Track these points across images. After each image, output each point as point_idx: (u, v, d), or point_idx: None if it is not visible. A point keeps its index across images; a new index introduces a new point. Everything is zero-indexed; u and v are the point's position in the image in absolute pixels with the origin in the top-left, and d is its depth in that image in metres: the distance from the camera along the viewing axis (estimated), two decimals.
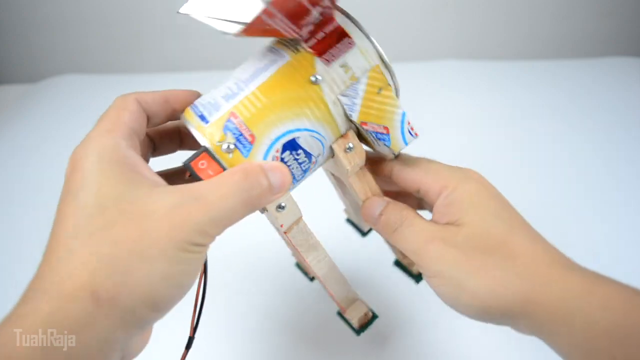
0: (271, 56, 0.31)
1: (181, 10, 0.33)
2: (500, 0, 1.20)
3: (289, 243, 0.37)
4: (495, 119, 0.83)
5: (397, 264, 0.44)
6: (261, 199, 0.26)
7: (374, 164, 0.36)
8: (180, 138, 0.34)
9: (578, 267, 0.30)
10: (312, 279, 0.47)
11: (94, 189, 0.24)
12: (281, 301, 0.47)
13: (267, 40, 0.33)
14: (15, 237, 0.61)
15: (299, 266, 0.48)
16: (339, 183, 0.42)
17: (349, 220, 0.48)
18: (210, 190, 0.25)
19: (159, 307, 0.24)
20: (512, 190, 0.67)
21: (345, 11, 0.32)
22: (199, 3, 0.33)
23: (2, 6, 1.16)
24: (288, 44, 0.31)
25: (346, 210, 0.47)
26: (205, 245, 0.25)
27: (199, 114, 0.30)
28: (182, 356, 0.30)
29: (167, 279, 0.24)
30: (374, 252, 0.48)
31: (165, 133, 0.33)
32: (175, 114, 0.31)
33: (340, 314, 0.42)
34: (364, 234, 0.47)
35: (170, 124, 0.33)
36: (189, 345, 0.31)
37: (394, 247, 0.42)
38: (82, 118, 0.88)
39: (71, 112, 0.90)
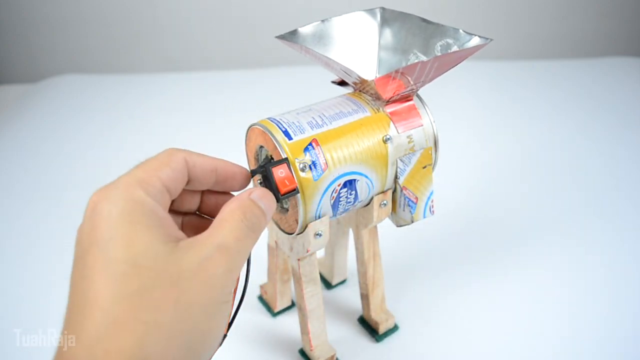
0: (354, 106, 0.37)
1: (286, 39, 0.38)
2: (500, 0, 1.20)
3: (294, 271, 0.40)
4: (495, 119, 0.83)
5: (362, 320, 0.48)
6: (261, 227, 0.28)
7: None
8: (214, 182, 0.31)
9: None
10: (275, 314, 0.49)
11: (123, 242, 0.23)
12: (241, 335, 0.47)
13: (347, 90, 0.40)
14: (15, 237, 0.61)
15: (262, 299, 0.50)
16: (337, 232, 0.47)
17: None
18: (225, 235, 0.25)
19: None
20: (511, 189, 0.67)
21: (421, 97, 0.39)
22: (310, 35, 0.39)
23: (2, 6, 1.16)
24: (370, 103, 0.37)
25: (320, 261, 0.52)
26: (233, 291, 0.25)
27: (283, 129, 0.33)
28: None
29: (208, 334, 0.24)
30: (340, 304, 0.51)
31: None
32: (217, 186, 0.30)
33: (302, 352, 0.44)
34: (330, 286, 0.52)
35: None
36: (220, 342, 0.32)
37: (364, 304, 0.47)
38: (82, 118, 0.89)
39: (71, 112, 0.90)
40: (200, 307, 0.23)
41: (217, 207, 0.31)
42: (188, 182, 0.28)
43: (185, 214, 0.31)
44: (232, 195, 0.30)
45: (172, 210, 0.30)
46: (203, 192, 0.31)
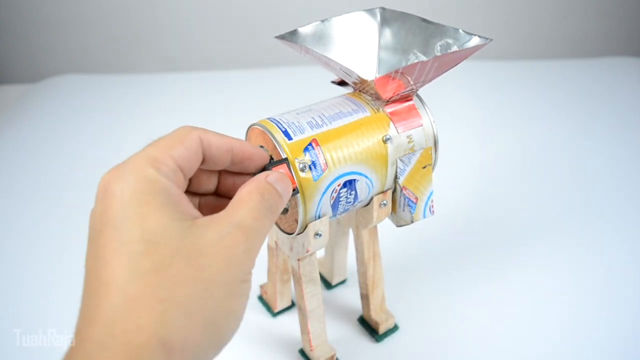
0: (353, 106, 0.37)
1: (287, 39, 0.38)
2: (500, 0, 1.20)
3: (294, 271, 0.40)
4: (495, 119, 0.83)
5: (362, 320, 0.48)
6: (278, 210, 0.27)
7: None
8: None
9: None
10: (275, 314, 0.49)
11: (137, 221, 0.22)
12: (241, 335, 0.47)
13: (345, 91, 0.40)
14: (15, 237, 0.61)
15: (262, 299, 0.50)
16: (337, 232, 0.47)
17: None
18: (244, 215, 0.25)
19: (222, 344, 0.24)
20: (511, 190, 0.67)
21: (421, 97, 0.39)
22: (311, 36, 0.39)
23: (2, 6, 1.16)
24: (370, 103, 0.37)
25: (320, 261, 0.52)
26: (251, 272, 0.25)
27: (283, 129, 0.33)
28: None
29: (231, 313, 0.24)
30: (340, 304, 0.51)
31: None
32: (233, 167, 0.29)
33: (302, 352, 0.44)
34: (330, 286, 0.52)
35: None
36: None
37: (364, 304, 0.46)
38: (82, 118, 0.89)
39: (71, 112, 0.90)
40: (220, 285, 0.23)
41: (234, 188, 0.30)
42: (203, 162, 0.27)
43: (202, 194, 0.31)
44: (250, 176, 0.30)
45: (189, 192, 0.29)
46: (220, 173, 0.31)
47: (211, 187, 0.30)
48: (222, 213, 0.25)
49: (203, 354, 0.23)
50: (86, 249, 0.23)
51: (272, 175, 0.28)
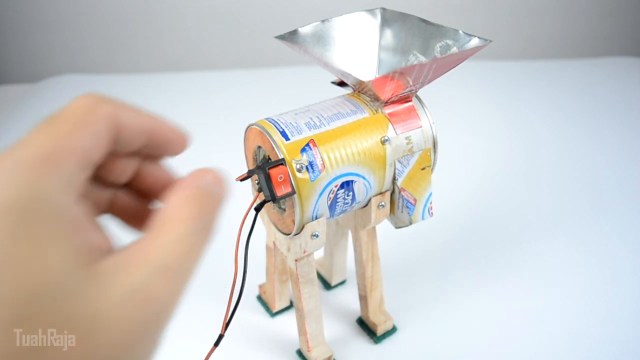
0: (352, 107, 0.37)
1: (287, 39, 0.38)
2: (500, 1, 1.20)
3: (291, 271, 0.40)
4: (495, 119, 0.83)
5: (360, 322, 0.48)
6: (215, 222, 0.20)
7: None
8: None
9: None
10: (273, 314, 0.49)
11: (17, 269, 0.15)
12: (238, 335, 0.47)
13: (345, 91, 0.40)
14: None
15: (261, 299, 0.50)
16: (336, 233, 0.47)
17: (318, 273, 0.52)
18: (169, 250, 0.17)
19: None
20: (511, 190, 0.67)
21: (420, 99, 0.39)
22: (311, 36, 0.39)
23: (2, 6, 1.16)
24: (369, 104, 0.37)
25: (319, 262, 0.52)
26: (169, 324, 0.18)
27: (281, 130, 0.33)
28: (209, 352, 0.31)
29: None
30: (339, 305, 0.51)
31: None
32: (146, 149, 0.21)
33: (300, 353, 0.45)
34: (329, 287, 0.52)
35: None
36: (217, 343, 0.32)
37: (363, 305, 0.46)
38: None
39: None
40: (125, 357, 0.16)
41: (152, 179, 0.22)
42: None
43: (116, 185, 0.22)
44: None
45: (96, 183, 0.21)
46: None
47: (123, 178, 0.22)
48: (139, 246, 0.17)
49: None
50: None
51: (205, 177, 0.20)
